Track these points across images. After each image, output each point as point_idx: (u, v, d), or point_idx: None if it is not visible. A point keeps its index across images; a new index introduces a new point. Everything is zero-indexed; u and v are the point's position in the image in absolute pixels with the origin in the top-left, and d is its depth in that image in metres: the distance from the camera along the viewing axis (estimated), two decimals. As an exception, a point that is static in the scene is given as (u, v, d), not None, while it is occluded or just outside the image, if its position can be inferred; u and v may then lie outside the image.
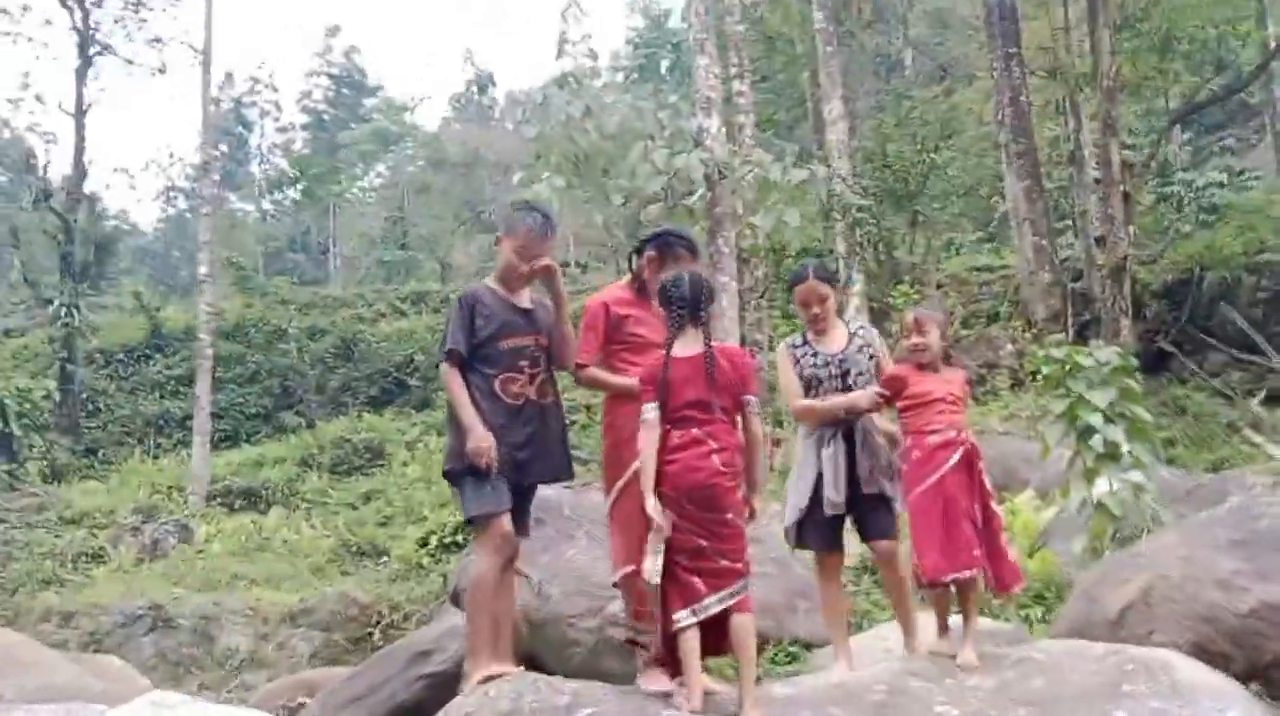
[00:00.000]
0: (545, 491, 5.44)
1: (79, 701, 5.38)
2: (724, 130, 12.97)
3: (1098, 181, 17.32)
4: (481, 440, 4.17)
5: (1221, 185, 20.47)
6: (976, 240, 23.21)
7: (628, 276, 4.66)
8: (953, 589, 4.40)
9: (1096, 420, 5.64)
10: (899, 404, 4.66)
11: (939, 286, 17.54)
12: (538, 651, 5.47)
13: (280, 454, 21.13)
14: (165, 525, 16.72)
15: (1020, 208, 16.93)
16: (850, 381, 4.52)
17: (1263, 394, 13.72)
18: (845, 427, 4.44)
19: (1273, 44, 20.03)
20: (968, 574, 4.34)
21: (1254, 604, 3.98)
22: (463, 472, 4.28)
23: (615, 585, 4.28)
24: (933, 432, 4.48)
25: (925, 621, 4.47)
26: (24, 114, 49.35)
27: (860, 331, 4.71)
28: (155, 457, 22.14)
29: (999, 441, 9.69)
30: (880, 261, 15.78)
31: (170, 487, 19.56)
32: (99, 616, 12.70)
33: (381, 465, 20.33)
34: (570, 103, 13.36)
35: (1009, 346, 14.79)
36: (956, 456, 4.43)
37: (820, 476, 4.38)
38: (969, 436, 4.53)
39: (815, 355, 4.57)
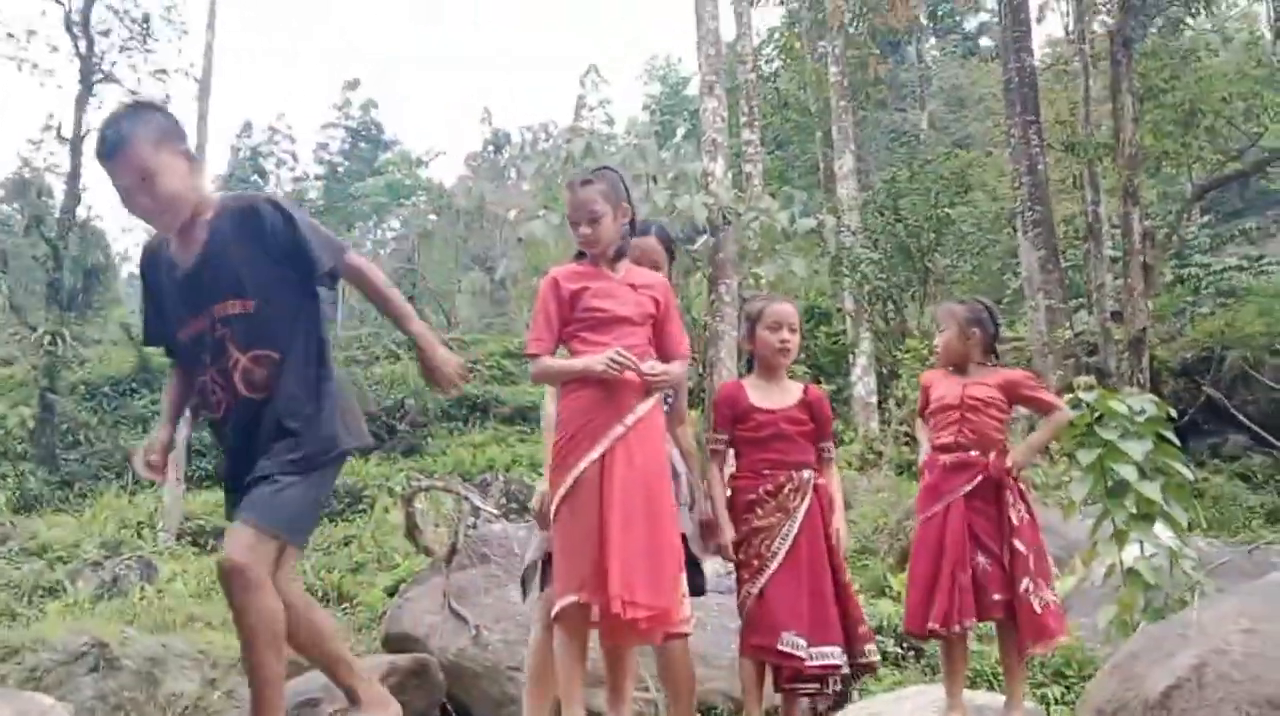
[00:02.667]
0: (493, 526, 4.74)
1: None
2: (730, 176, 12.47)
3: (1114, 260, 16.74)
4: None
5: (1241, 269, 19.86)
6: (988, 316, 22.45)
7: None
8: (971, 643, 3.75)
9: (1130, 474, 4.89)
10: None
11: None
12: (471, 707, 4.72)
13: (260, 496, 20.31)
14: (128, 561, 15.94)
15: (1035, 278, 16.27)
16: None
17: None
18: None
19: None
20: (954, 628, 3.66)
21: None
22: None
23: (556, 618, 3.21)
24: (946, 451, 3.83)
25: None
26: (44, 154, 48.59)
27: None
28: (132, 494, 21.33)
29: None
30: (889, 319, 15.11)
31: (141, 524, 18.78)
32: (41, 653, 11.95)
33: (362, 511, 19.49)
34: (570, 141, 12.91)
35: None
36: (971, 485, 3.76)
37: None
38: (1000, 458, 3.85)
39: None
